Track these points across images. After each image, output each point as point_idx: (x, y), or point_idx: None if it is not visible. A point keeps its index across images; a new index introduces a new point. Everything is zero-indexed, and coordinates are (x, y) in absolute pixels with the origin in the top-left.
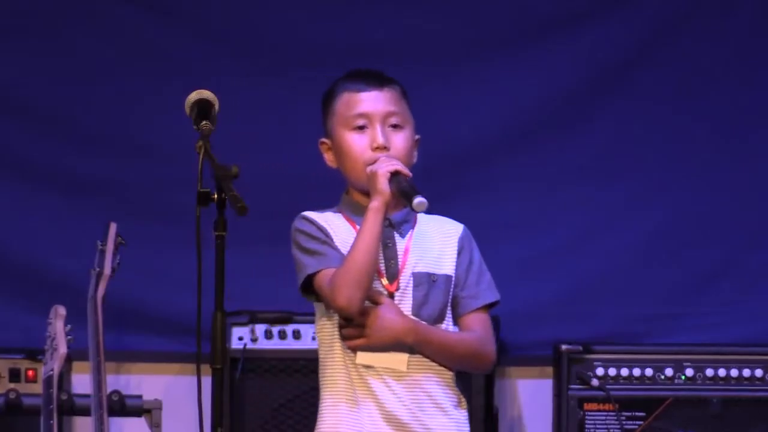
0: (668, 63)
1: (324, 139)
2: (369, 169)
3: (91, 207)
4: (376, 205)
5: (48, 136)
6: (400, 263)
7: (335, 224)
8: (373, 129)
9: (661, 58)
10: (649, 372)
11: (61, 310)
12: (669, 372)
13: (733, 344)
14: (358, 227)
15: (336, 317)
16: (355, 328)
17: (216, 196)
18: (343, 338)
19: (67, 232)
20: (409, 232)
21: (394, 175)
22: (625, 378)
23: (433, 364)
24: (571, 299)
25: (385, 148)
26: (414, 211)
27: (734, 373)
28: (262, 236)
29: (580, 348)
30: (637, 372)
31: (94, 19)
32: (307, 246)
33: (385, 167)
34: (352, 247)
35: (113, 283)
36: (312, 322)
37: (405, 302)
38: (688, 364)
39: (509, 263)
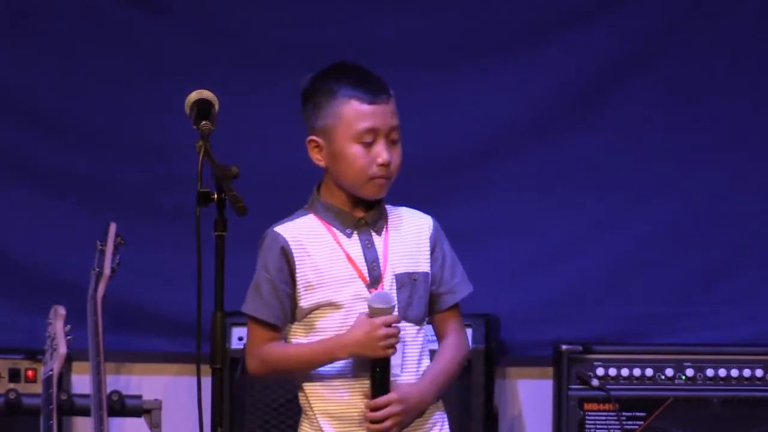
0: (668, 63)
1: (314, 138)
2: (382, 343)
3: (91, 207)
4: (343, 354)
5: (48, 137)
6: (381, 264)
7: (309, 233)
8: (377, 144)
9: (661, 58)
10: (649, 372)
11: (61, 310)
12: (669, 372)
13: (733, 344)
14: (334, 229)
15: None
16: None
17: (216, 196)
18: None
19: (67, 232)
20: (384, 229)
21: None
22: (625, 378)
23: None
24: (571, 299)
25: (389, 164)
26: None
27: (734, 373)
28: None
29: (580, 348)
30: (637, 372)
31: (94, 20)
32: (259, 278)
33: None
34: (297, 355)
35: (113, 283)
36: None
37: None
38: (688, 364)
39: (509, 263)
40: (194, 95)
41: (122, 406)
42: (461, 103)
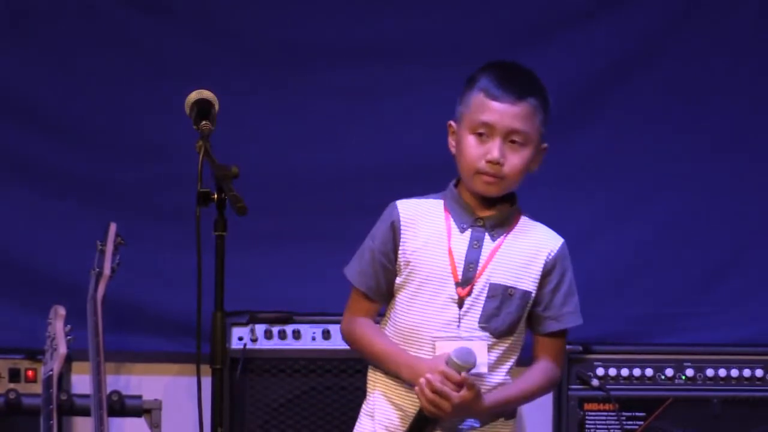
0: (668, 63)
1: (451, 122)
2: (426, 393)
3: (91, 207)
4: (404, 375)
5: (48, 137)
6: (479, 268)
7: (428, 215)
8: (492, 141)
9: (661, 58)
10: (649, 372)
11: (61, 310)
12: (669, 372)
13: (733, 344)
14: (452, 221)
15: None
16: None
17: (216, 196)
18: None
19: (67, 232)
20: (502, 237)
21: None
22: (625, 378)
23: None
24: None
25: (498, 163)
26: None
27: (734, 373)
28: (262, 236)
29: (580, 348)
30: (637, 372)
31: (94, 20)
32: (365, 245)
33: (425, 395)
34: (370, 346)
35: (113, 283)
36: (311, 322)
37: (474, 310)
38: (688, 364)
39: None
40: (194, 95)
41: (122, 406)
42: None
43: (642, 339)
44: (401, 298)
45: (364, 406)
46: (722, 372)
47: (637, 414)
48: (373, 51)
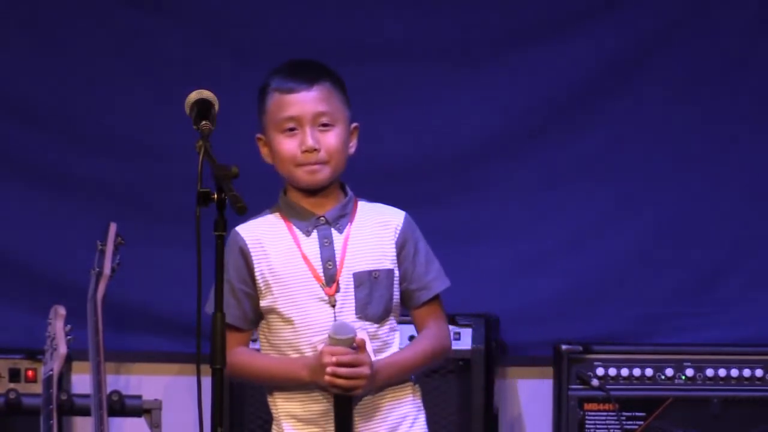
0: (668, 63)
1: (260, 135)
2: (329, 370)
3: (91, 207)
4: (305, 377)
5: (48, 137)
6: (338, 264)
7: (269, 232)
8: (302, 131)
9: (661, 58)
10: (649, 372)
11: (61, 310)
12: (669, 372)
13: (733, 344)
14: (294, 228)
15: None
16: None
17: (216, 196)
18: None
19: (68, 232)
20: (347, 227)
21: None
22: (625, 378)
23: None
24: (571, 299)
25: (315, 150)
26: None
27: (734, 373)
28: None
29: (580, 348)
30: (637, 372)
31: (94, 20)
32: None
33: (330, 381)
34: (261, 368)
35: (113, 283)
36: None
37: (347, 304)
38: (688, 364)
39: (509, 263)
40: (194, 95)
41: (122, 406)
42: (461, 102)
43: (642, 339)
44: (273, 318)
45: None
46: (722, 372)
47: (637, 414)
48: (373, 51)
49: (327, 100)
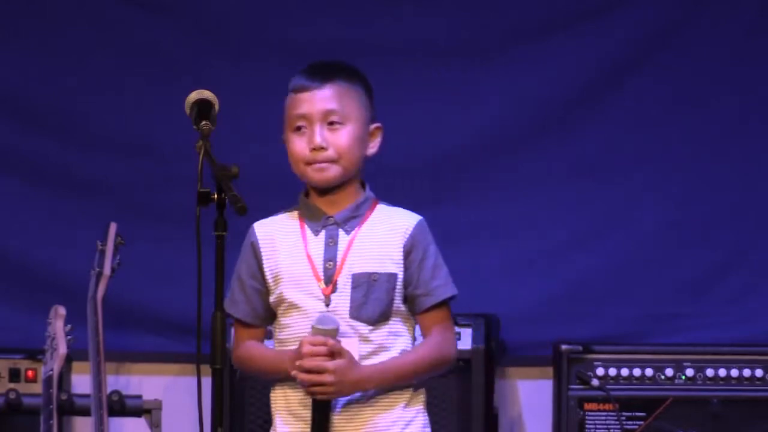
0: (668, 63)
1: (284, 137)
2: (294, 373)
3: (91, 207)
4: (288, 368)
5: (48, 136)
6: (338, 264)
7: (283, 229)
8: (310, 130)
9: (661, 58)
10: (649, 372)
11: (61, 310)
12: (669, 372)
13: (733, 344)
14: (306, 227)
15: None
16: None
17: (216, 196)
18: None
19: (67, 232)
20: (356, 228)
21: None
22: (625, 378)
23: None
24: (571, 299)
25: (321, 148)
26: None
27: (734, 373)
28: None
29: (580, 348)
30: (637, 372)
31: (94, 19)
32: (236, 275)
33: (300, 377)
34: (261, 360)
35: (113, 283)
36: None
37: (342, 305)
38: (688, 364)
39: (509, 263)
40: (194, 95)
41: (122, 406)
42: (461, 102)
43: (642, 339)
44: (280, 314)
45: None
46: (722, 372)
47: (637, 414)
48: (373, 50)
49: (338, 98)
